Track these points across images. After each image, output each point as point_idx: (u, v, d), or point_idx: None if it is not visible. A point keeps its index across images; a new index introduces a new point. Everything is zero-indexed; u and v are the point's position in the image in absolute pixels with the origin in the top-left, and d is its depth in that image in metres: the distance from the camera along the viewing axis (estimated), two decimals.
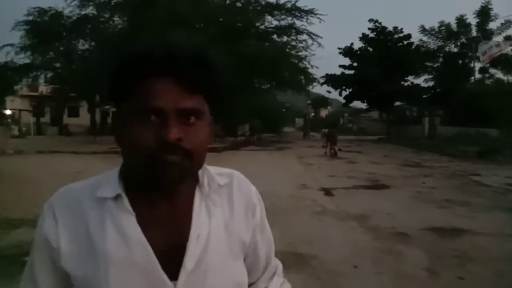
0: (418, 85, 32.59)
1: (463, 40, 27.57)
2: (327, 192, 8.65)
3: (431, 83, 31.35)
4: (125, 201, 0.73)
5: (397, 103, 35.46)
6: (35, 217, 0.80)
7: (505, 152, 17.54)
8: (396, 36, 32.59)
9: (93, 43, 27.69)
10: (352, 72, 34.35)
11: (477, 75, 27.20)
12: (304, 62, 24.70)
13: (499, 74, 27.00)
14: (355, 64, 34.30)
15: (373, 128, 45.08)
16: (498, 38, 25.26)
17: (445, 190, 9.40)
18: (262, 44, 21.15)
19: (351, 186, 9.48)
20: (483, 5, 26.74)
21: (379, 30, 32.68)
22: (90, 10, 25.68)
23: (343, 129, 48.01)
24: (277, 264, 0.98)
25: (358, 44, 34.30)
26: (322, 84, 33.24)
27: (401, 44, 32.42)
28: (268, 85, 29.32)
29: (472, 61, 25.41)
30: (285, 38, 24.88)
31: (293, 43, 24.51)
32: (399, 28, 32.58)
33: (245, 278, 0.81)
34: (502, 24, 26.43)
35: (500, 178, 11.55)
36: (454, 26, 28.33)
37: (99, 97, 29.97)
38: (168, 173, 0.68)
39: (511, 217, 6.80)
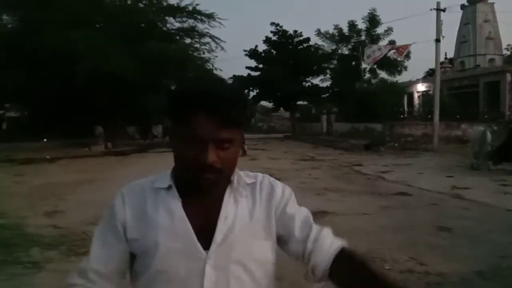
0: (317, 85, 34.91)
1: (353, 43, 30.20)
2: None
3: (328, 83, 33.88)
4: (175, 189, 0.98)
5: (301, 102, 37.70)
6: None
7: (387, 144, 19.89)
8: (296, 39, 34.56)
9: None
10: (258, 73, 35.73)
11: (367, 76, 30.02)
12: (208, 64, 25.21)
13: (384, 75, 30.09)
14: (260, 65, 35.69)
15: (282, 126, 47.01)
16: (383, 43, 28.10)
17: (326, 179, 10.53)
18: (165, 44, 21.15)
19: None
20: (370, 11, 29.62)
21: (281, 33, 34.40)
22: None
23: (254, 128, 49.45)
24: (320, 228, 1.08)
25: (262, 47, 35.76)
26: None
27: (301, 46, 34.47)
28: None
29: (362, 63, 27.94)
30: (188, 40, 25.16)
31: (197, 45, 24.90)
32: (298, 31, 34.63)
33: (263, 255, 1.01)
34: (385, 30, 29.50)
35: (378, 166, 13.14)
36: (346, 30, 30.94)
37: None
38: (204, 184, 0.93)
39: (372, 199, 7.98)
